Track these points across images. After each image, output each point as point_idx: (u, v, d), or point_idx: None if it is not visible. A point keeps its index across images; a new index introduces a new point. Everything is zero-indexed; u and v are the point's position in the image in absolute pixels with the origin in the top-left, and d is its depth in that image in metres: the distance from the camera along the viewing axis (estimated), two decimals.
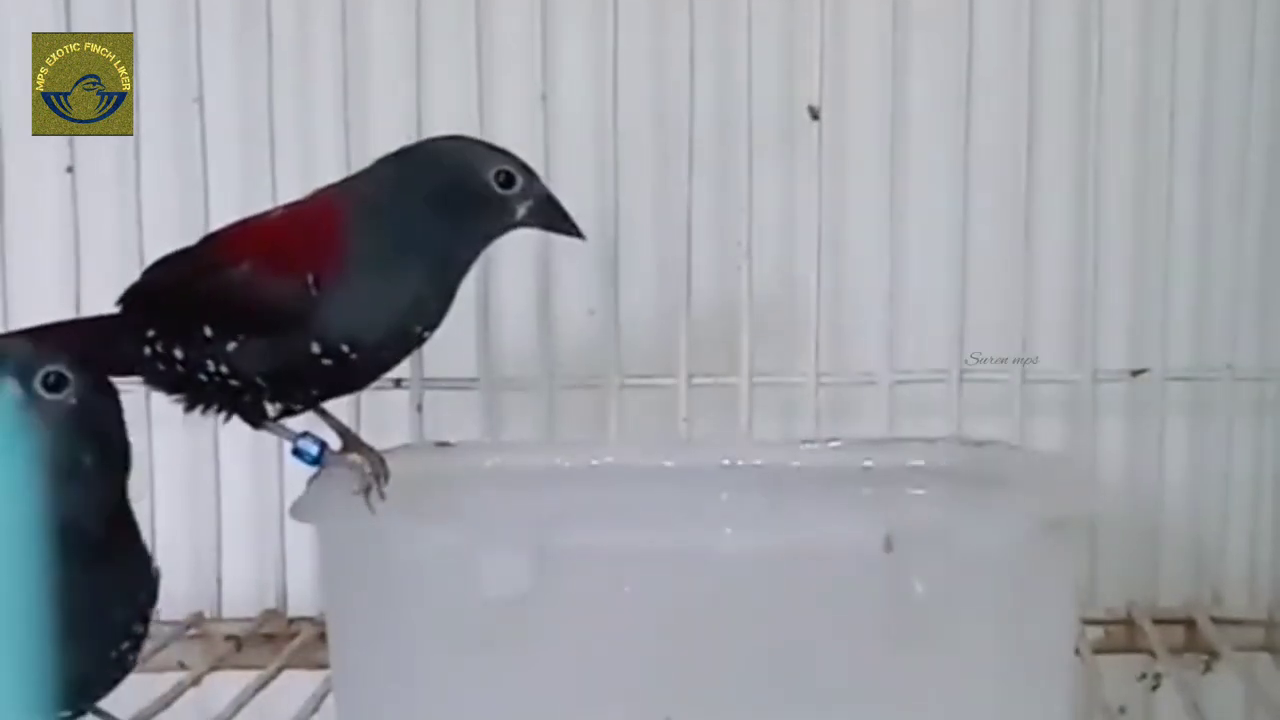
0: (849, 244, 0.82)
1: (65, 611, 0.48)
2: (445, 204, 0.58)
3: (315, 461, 0.59)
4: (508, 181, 0.58)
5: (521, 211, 0.59)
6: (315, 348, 0.56)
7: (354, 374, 0.59)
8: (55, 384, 0.49)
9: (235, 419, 0.60)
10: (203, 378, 0.58)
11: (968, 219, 0.79)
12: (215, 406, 0.59)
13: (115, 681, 0.53)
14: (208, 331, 0.57)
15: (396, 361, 0.60)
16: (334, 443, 0.61)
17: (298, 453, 0.59)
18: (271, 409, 0.59)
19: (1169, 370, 0.80)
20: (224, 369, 0.57)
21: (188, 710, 0.70)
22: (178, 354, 0.58)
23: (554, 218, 0.59)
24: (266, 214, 0.62)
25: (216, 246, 0.60)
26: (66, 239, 0.78)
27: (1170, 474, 0.81)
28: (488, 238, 0.60)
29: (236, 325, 0.57)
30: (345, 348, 0.57)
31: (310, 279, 0.56)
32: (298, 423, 0.61)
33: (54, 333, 0.61)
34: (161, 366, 0.58)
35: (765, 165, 0.80)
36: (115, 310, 0.61)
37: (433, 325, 0.59)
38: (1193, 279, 0.81)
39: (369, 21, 0.81)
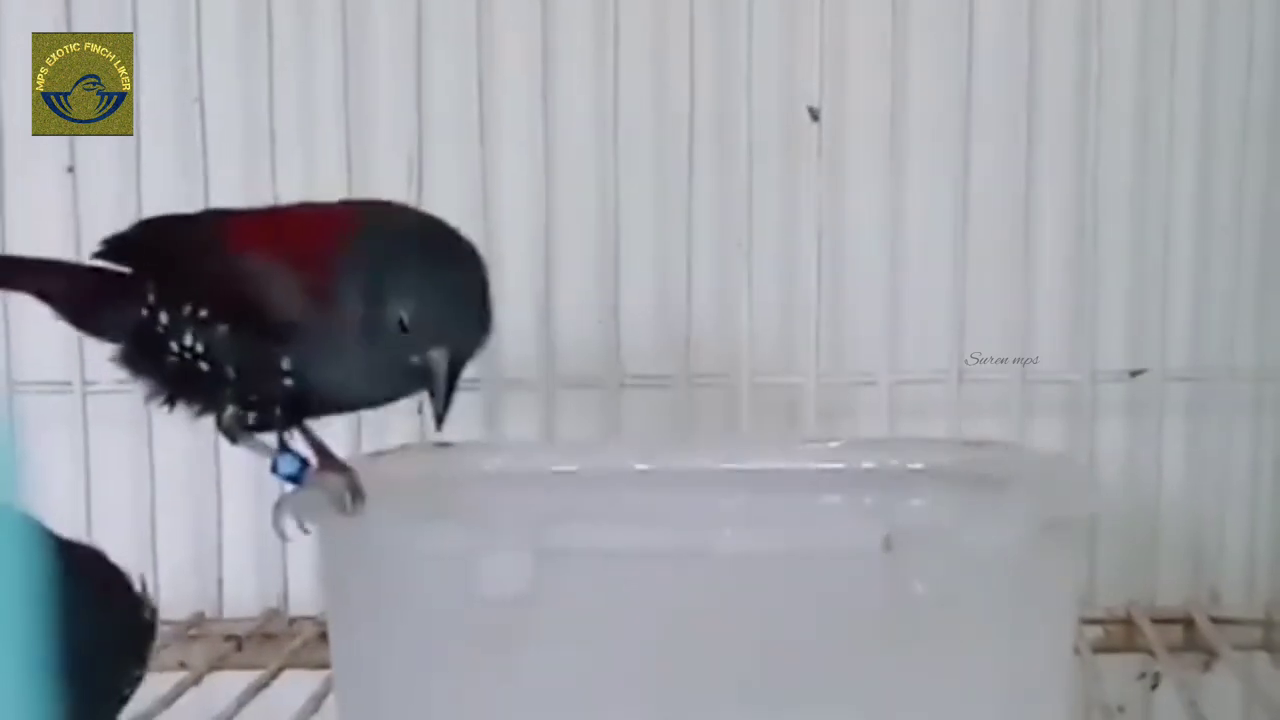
0: (849, 244, 0.82)
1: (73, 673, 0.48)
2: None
3: (294, 479, 0.57)
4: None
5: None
6: (285, 364, 0.55)
7: (321, 403, 0.57)
8: None
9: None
10: (183, 354, 0.56)
11: (968, 219, 0.79)
12: (186, 399, 0.57)
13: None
14: (202, 312, 0.55)
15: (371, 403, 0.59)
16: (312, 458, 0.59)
17: (275, 469, 0.57)
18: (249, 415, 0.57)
19: (1168, 370, 0.80)
20: (200, 349, 0.55)
21: (188, 710, 0.70)
22: (163, 319, 0.56)
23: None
24: (286, 209, 0.61)
25: (232, 229, 0.58)
26: (67, 239, 0.78)
27: (1169, 474, 0.81)
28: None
29: (229, 311, 0.55)
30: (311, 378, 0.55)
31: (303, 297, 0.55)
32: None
33: (42, 273, 0.60)
34: (154, 331, 0.56)
35: (765, 165, 0.80)
36: (118, 268, 0.59)
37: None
38: (1192, 279, 0.81)
39: (369, 21, 0.81)
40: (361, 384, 0.56)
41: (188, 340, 0.56)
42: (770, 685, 0.51)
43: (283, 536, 0.58)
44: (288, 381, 0.55)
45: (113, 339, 0.58)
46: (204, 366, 0.56)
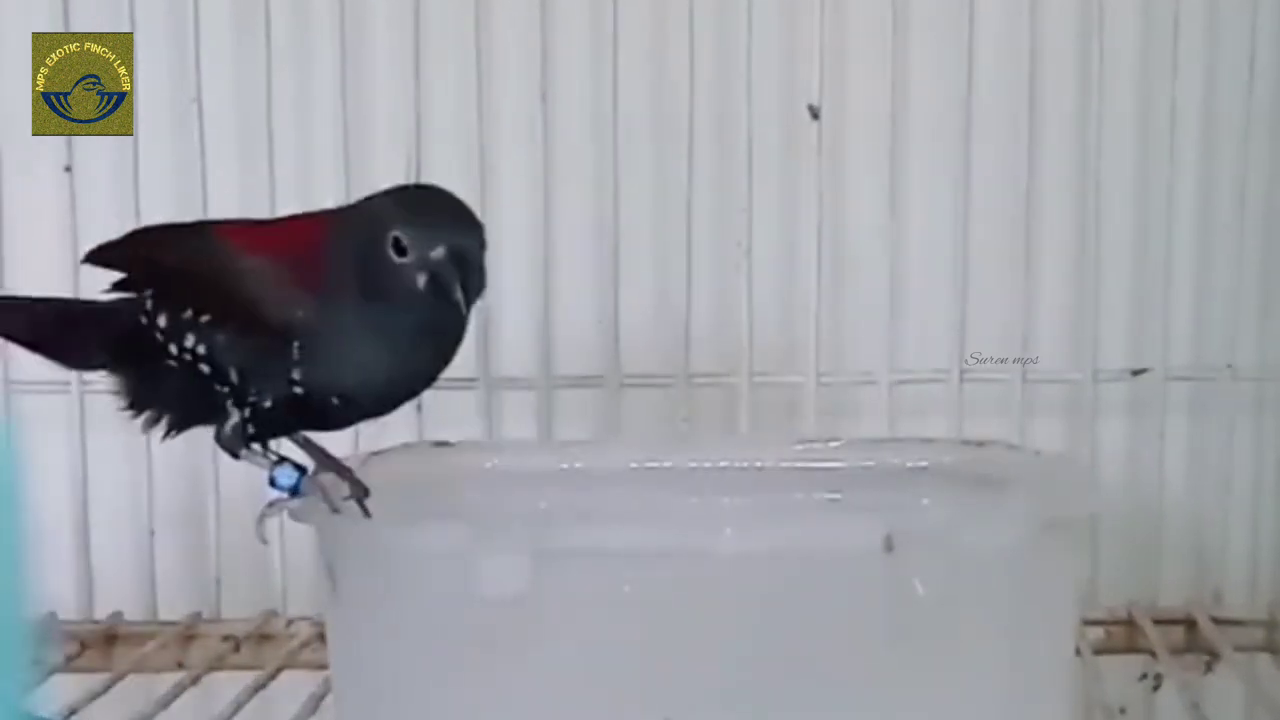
0: (849, 244, 0.82)
1: None
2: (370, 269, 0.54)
3: (294, 491, 0.56)
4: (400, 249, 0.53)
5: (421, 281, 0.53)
6: (294, 365, 0.54)
7: (326, 408, 0.56)
8: None
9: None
10: (183, 357, 0.55)
11: (968, 219, 0.79)
12: (182, 410, 0.57)
13: None
14: (204, 316, 0.55)
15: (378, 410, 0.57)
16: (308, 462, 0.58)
17: (274, 482, 0.56)
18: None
19: (1170, 370, 0.80)
20: (202, 350, 0.55)
21: (187, 711, 0.70)
22: (161, 322, 0.56)
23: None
24: (278, 218, 0.61)
25: (230, 233, 0.58)
26: (64, 239, 0.78)
27: (1171, 474, 0.81)
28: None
29: (233, 312, 0.55)
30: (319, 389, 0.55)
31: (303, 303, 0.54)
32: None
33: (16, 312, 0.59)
34: (151, 337, 0.56)
35: (765, 165, 0.80)
36: (120, 295, 0.58)
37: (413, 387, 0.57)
38: (1194, 278, 0.81)
39: (367, 21, 0.81)
40: (373, 367, 0.55)
41: (189, 342, 0.55)
42: (770, 685, 0.51)
43: (263, 541, 0.58)
44: (295, 383, 0.55)
45: (103, 362, 0.58)
46: (205, 369, 0.55)
